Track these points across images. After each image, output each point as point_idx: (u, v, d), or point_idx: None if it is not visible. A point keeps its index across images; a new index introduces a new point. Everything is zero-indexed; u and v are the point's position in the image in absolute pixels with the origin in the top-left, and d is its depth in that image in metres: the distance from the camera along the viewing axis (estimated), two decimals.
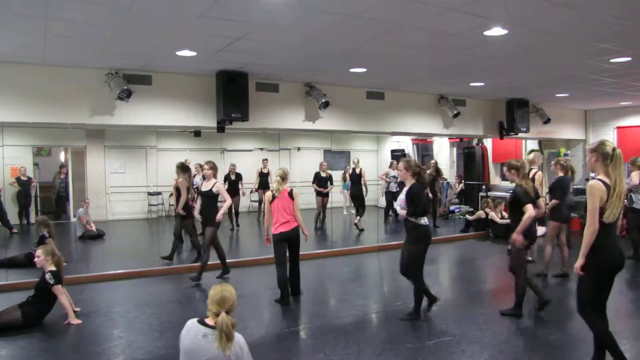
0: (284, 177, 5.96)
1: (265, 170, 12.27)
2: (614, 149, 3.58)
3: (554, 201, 6.85)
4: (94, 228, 10.28)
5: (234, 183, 11.15)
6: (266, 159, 12.73)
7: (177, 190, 8.02)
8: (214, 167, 6.93)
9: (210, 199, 6.87)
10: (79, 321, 5.22)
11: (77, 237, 10.15)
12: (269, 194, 5.97)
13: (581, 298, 3.65)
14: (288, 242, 5.92)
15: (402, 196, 5.28)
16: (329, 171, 11.85)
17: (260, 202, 12.71)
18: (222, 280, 6.77)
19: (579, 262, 3.55)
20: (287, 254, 5.96)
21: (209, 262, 6.79)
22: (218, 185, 6.89)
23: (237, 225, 11.19)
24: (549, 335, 4.73)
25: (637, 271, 7.46)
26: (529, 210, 5.02)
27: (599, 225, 3.48)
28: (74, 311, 5.37)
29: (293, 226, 5.86)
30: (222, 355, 2.60)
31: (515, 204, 5.23)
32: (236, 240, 10.34)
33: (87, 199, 10.91)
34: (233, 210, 11.08)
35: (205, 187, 6.94)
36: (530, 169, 7.22)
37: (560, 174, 7.00)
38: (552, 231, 6.93)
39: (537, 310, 5.43)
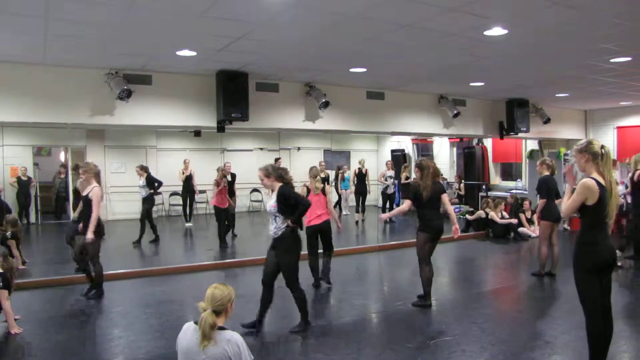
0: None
1: None
2: (602, 147, 3.58)
3: (541, 201, 6.88)
4: None
5: (229, 184, 10.13)
6: (279, 158, 12.67)
7: (77, 192, 7.38)
8: (89, 170, 6.09)
9: (88, 205, 6.03)
10: (19, 330, 4.85)
11: None
12: (304, 188, 6.37)
13: (579, 296, 3.64)
14: (320, 234, 6.44)
15: (272, 201, 4.91)
16: (327, 171, 11.87)
17: None
18: (88, 298, 6.11)
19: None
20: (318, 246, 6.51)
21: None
22: (94, 190, 5.98)
23: (235, 235, 10.46)
24: (549, 335, 4.73)
25: (637, 271, 7.46)
26: (406, 203, 5.69)
27: (590, 223, 3.51)
28: (15, 319, 4.96)
29: (324, 219, 6.37)
30: (221, 353, 2.60)
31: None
32: (236, 241, 10.33)
33: None
34: (229, 214, 10.24)
35: (84, 192, 6.21)
36: (636, 170, 7.49)
37: (546, 173, 7.01)
38: (544, 231, 6.94)
39: (412, 304, 5.68)
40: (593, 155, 3.56)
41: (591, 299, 3.55)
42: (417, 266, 5.74)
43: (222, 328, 2.67)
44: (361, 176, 12.42)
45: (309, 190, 6.35)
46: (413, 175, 15.57)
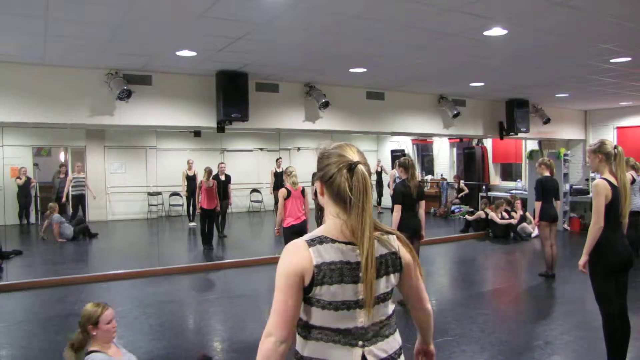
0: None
1: (279, 170, 12.11)
2: (615, 147, 3.60)
3: (537, 203, 6.90)
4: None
5: (223, 185, 9.87)
6: (280, 158, 12.66)
7: None
8: None
9: None
10: None
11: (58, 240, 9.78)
12: (283, 190, 6.31)
13: (595, 296, 3.64)
14: (299, 234, 6.27)
15: None
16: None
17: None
18: None
19: (583, 259, 3.58)
20: None
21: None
22: None
23: (224, 235, 10.16)
24: (549, 335, 4.73)
25: (636, 271, 7.44)
26: (396, 211, 5.59)
27: (605, 223, 3.49)
28: None
29: (303, 219, 6.36)
30: None
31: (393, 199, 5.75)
32: (235, 241, 10.34)
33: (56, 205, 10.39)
34: (219, 217, 10.02)
35: None
36: None
37: (546, 173, 7.00)
38: (543, 231, 6.95)
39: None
40: (606, 156, 3.59)
41: (608, 298, 3.56)
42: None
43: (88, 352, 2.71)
44: (378, 174, 14.65)
45: (289, 192, 6.24)
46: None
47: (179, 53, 6.00)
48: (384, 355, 1.62)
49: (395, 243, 1.70)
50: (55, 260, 8.41)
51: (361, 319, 1.59)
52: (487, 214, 10.57)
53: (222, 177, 9.96)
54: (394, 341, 1.68)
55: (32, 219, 12.58)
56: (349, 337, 1.58)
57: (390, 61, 6.67)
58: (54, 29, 4.90)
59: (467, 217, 11.23)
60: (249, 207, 14.77)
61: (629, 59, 6.40)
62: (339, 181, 1.61)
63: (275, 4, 4.24)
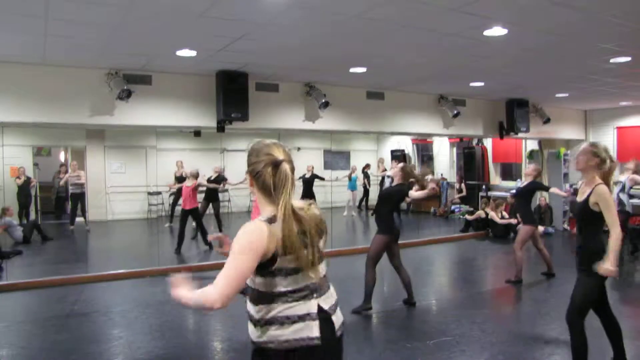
0: None
1: None
2: (612, 160, 3.57)
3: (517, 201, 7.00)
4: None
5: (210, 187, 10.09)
6: None
7: None
8: None
9: None
10: None
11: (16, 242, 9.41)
12: None
13: (579, 304, 3.58)
14: None
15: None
16: (328, 171, 11.90)
17: None
18: None
19: (614, 266, 3.40)
20: None
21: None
22: None
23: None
24: (549, 335, 4.73)
25: (636, 272, 7.45)
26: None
27: (600, 230, 3.51)
28: None
29: None
30: None
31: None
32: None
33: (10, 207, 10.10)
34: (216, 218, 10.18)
35: None
36: None
37: (536, 179, 7.09)
38: (527, 236, 6.94)
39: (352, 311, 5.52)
40: (601, 161, 3.51)
41: (589, 307, 3.60)
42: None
43: None
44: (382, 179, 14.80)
45: None
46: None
47: (179, 53, 6.00)
48: (331, 303, 2.00)
49: (318, 210, 2.03)
50: (56, 260, 8.40)
51: (313, 275, 1.93)
52: (487, 214, 10.57)
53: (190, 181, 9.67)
54: (334, 293, 2.07)
55: (32, 219, 12.56)
56: (306, 291, 1.91)
57: (390, 61, 6.67)
58: (54, 29, 4.90)
59: (467, 217, 11.22)
60: (249, 207, 14.76)
61: (629, 59, 6.39)
62: (264, 176, 1.91)
63: (275, 4, 4.24)
